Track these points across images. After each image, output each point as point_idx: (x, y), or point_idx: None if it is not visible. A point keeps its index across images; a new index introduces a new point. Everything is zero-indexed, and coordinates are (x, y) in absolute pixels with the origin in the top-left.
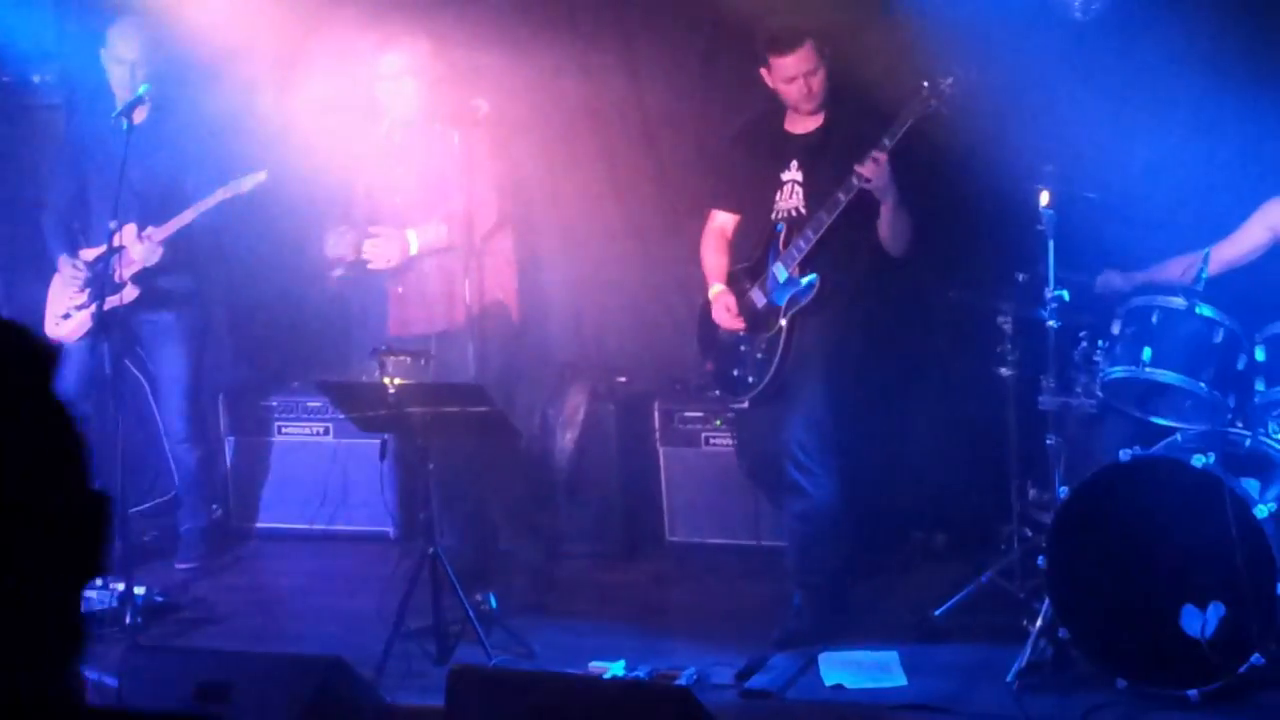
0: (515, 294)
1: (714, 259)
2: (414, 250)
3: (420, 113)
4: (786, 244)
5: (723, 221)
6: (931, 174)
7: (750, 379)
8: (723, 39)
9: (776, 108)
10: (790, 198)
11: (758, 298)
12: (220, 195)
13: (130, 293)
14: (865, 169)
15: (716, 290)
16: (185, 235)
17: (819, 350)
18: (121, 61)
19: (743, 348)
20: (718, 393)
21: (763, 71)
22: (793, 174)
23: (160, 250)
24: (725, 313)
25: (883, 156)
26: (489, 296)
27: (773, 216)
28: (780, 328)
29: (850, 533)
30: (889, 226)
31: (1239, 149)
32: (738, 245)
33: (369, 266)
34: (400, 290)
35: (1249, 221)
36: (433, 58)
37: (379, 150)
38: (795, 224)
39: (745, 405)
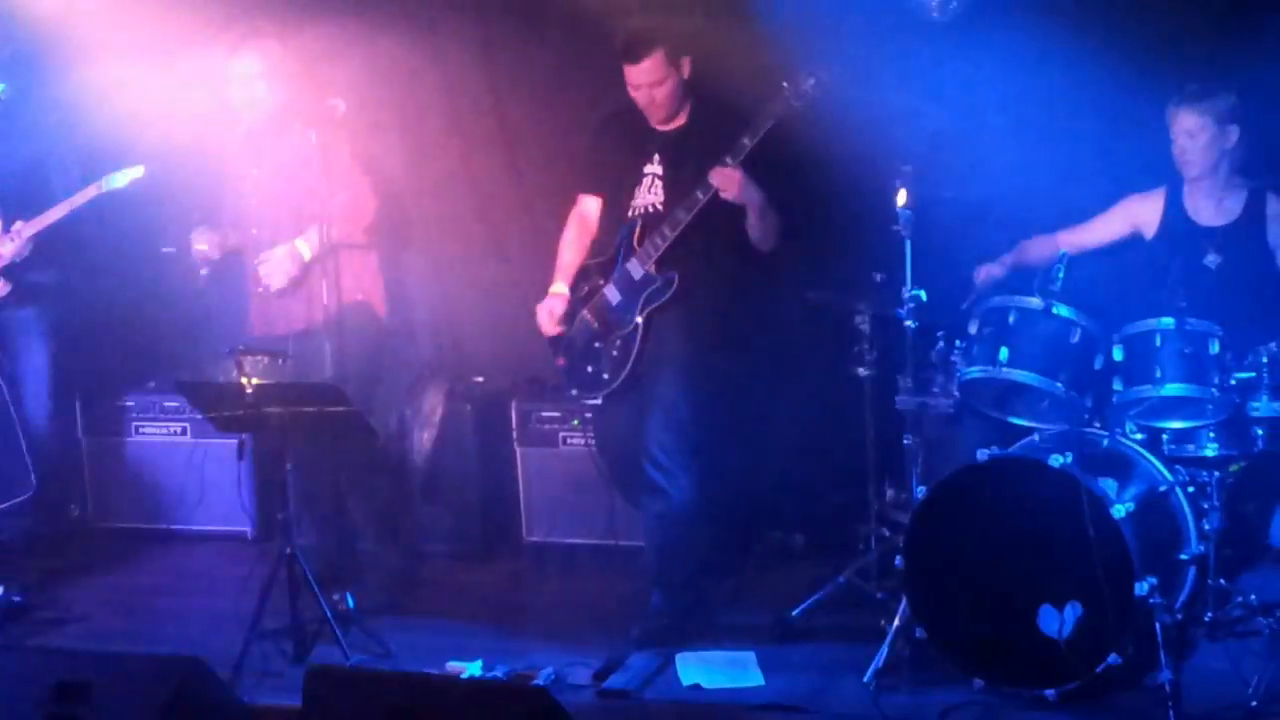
0: (382, 294)
1: (569, 254)
2: (308, 258)
3: (275, 114)
4: (642, 240)
5: (588, 207)
6: (790, 174)
7: (605, 376)
8: (580, 41)
9: None
10: (650, 192)
11: (612, 294)
12: (94, 190)
13: (1, 288)
14: (716, 178)
15: (556, 290)
16: (50, 229)
17: (676, 350)
18: None
19: (597, 344)
20: (573, 391)
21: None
22: (654, 167)
23: (29, 245)
24: (547, 317)
25: (733, 172)
26: (350, 296)
27: (630, 212)
28: (636, 325)
29: (708, 533)
30: (756, 229)
31: (1098, 148)
32: (601, 236)
33: (272, 287)
34: (260, 290)
35: (1108, 212)
36: (283, 59)
37: (238, 151)
38: (651, 220)
39: (599, 402)
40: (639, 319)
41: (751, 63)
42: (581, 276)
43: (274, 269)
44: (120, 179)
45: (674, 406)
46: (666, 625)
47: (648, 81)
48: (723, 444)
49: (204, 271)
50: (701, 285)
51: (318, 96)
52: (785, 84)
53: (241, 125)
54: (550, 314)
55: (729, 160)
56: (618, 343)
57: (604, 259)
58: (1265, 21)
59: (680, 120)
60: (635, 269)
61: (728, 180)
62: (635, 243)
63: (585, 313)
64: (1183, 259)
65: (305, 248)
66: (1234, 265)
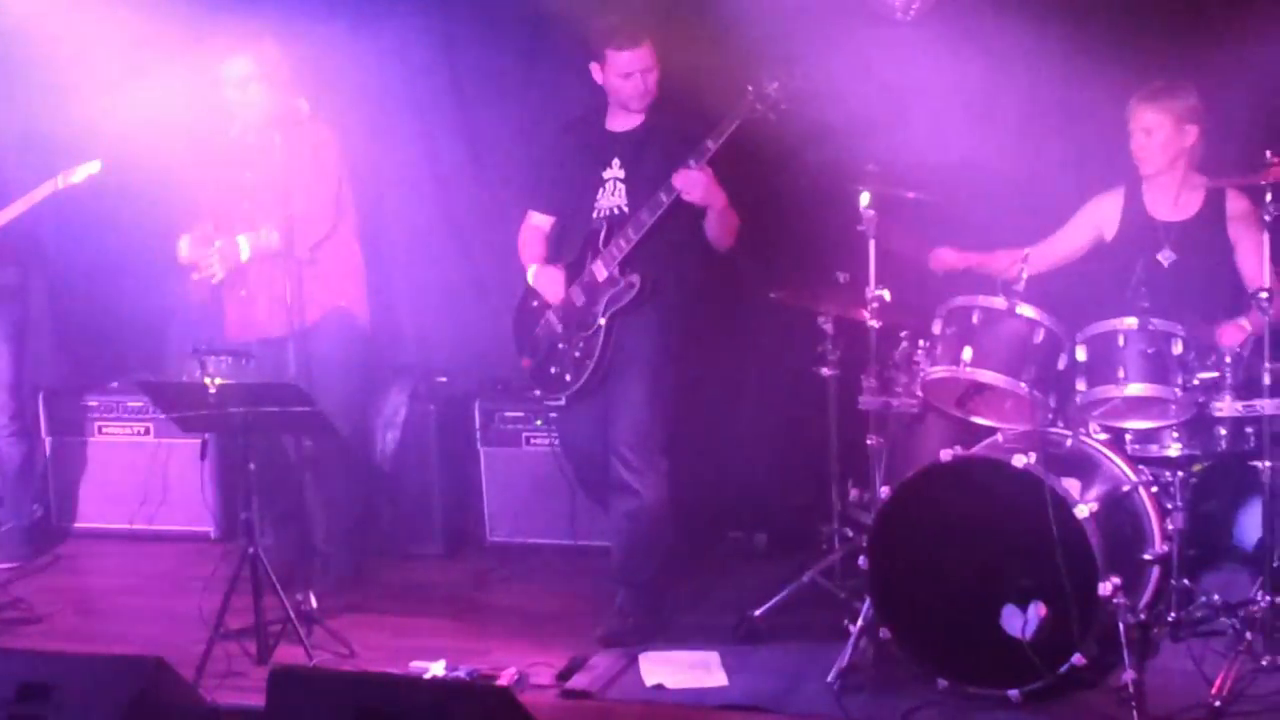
0: (364, 299)
1: (531, 249)
2: (245, 256)
3: (267, 116)
4: (607, 242)
5: (538, 222)
6: (753, 174)
7: (568, 377)
8: (544, 38)
9: (598, 107)
10: (613, 195)
11: (577, 295)
12: (51, 187)
13: None
14: (679, 180)
15: (534, 269)
16: (8, 227)
17: (641, 351)
18: None
19: (561, 345)
20: (537, 391)
21: (594, 66)
22: (615, 171)
23: None
24: (550, 283)
25: (698, 175)
26: (331, 302)
27: (595, 215)
28: (599, 327)
29: (674, 532)
30: (714, 229)
31: (1062, 150)
32: (556, 245)
33: (210, 279)
34: (243, 293)
35: (1072, 221)
36: (280, 62)
37: (229, 153)
38: (616, 222)
39: (562, 403)
40: (602, 320)
41: (712, 63)
42: None
43: (212, 260)
44: (78, 174)
45: (640, 406)
46: (631, 624)
47: (642, 67)
48: (686, 444)
49: (196, 276)
50: (666, 287)
51: (284, 97)
52: (750, 87)
53: (235, 127)
54: (552, 281)
55: (692, 162)
56: (581, 344)
57: (569, 262)
58: (1226, 21)
59: (637, 120)
60: (599, 270)
61: (692, 183)
62: (600, 244)
63: (550, 314)
64: (1144, 257)
65: (245, 246)
66: (1189, 262)
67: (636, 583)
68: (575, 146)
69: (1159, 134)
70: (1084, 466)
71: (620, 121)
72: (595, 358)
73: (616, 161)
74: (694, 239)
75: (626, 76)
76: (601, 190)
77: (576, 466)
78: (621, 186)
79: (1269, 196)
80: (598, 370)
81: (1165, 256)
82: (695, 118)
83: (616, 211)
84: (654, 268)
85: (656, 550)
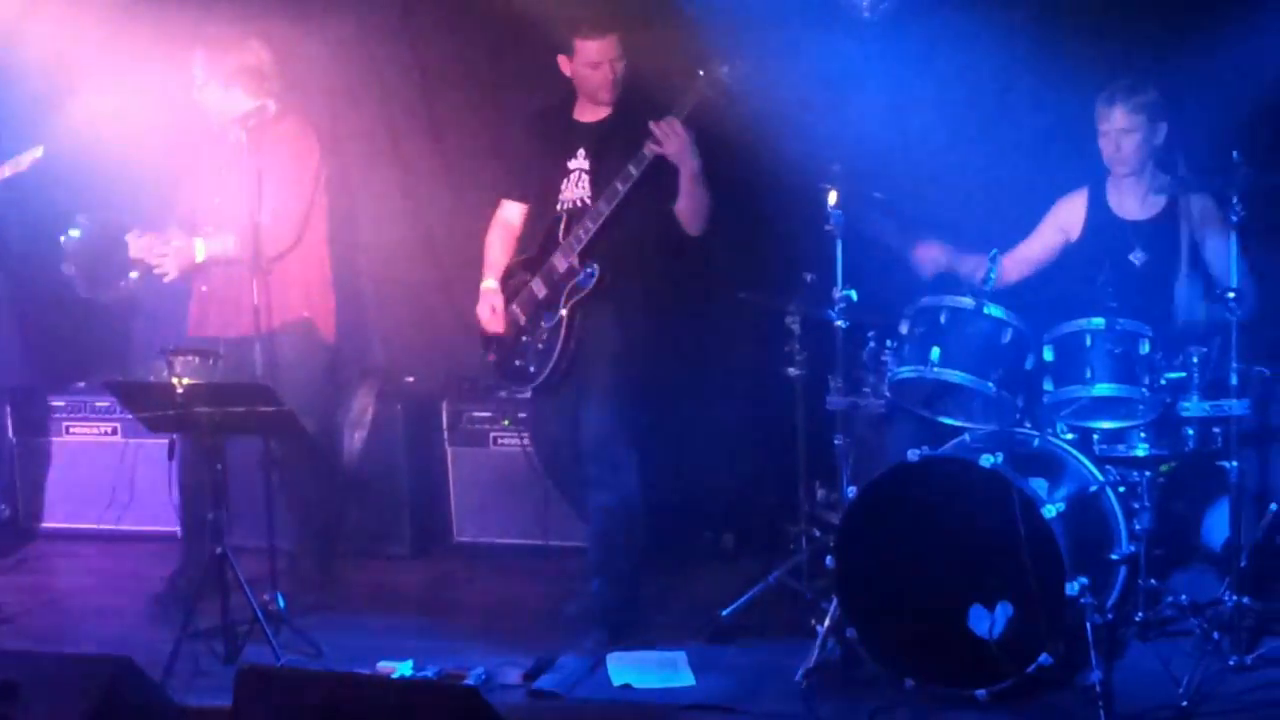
0: (331, 312)
1: (496, 253)
2: (199, 258)
3: (228, 117)
4: (567, 233)
5: (510, 212)
6: (721, 173)
7: (532, 369)
8: (510, 35)
9: (566, 97)
10: (576, 186)
11: (539, 288)
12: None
13: None
14: (658, 129)
15: (487, 286)
16: None
17: (605, 343)
18: None
19: (524, 338)
20: (503, 385)
21: (561, 59)
22: (580, 162)
23: None
24: (489, 313)
25: (679, 125)
26: (295, 313)
27: (558, 206)
28: (560, 318)
29: (648, 526)
30: (689, 198)
31: (1030, 150)
32: (526, 237)
33: (162, 277)
34: (204, 289)
35: (1040, 225)
36: (240, 62)
37: (206, 150)
38: (577, 214)
39: (527, 395)
40: (563, 311)
41: (679, 59)
42: (510, 273)
43: (169, 258)
44: (24, 160)
45: (610, 400)
46: (604, 606)
47: (610, 57)
48: (655, 444)
49: (134, 274)
50: (629, 278)
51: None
52: (700, 72)
53: (207, 126)
54: (492, 310)
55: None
56: (544, 336)
57: (531, 255)
58: (1192, 22)
59: (604, 112)
60: (560, 261)
61: (670, 133)
62: (561, 236)
63: (514, 307)
64: (1110, 257)
65: (201, 249)
66: (1159, 261)
67: (612, 575)
68: (543, 134)
69: (1136, 134)
70: (1051, 466)
71: (588, 113)
72: (558, 349)
73: (582, 152)
74: (658, 230)
75: (594, 66)
76: (566, 181)
77: (545, 460)
78: (586, 178)
79: (1235, 198)
80: (560, 362)
81: (1137, 257)
82: (662, 112)
83: (579, 204)
84: (616, 258)
85: (632, 543)
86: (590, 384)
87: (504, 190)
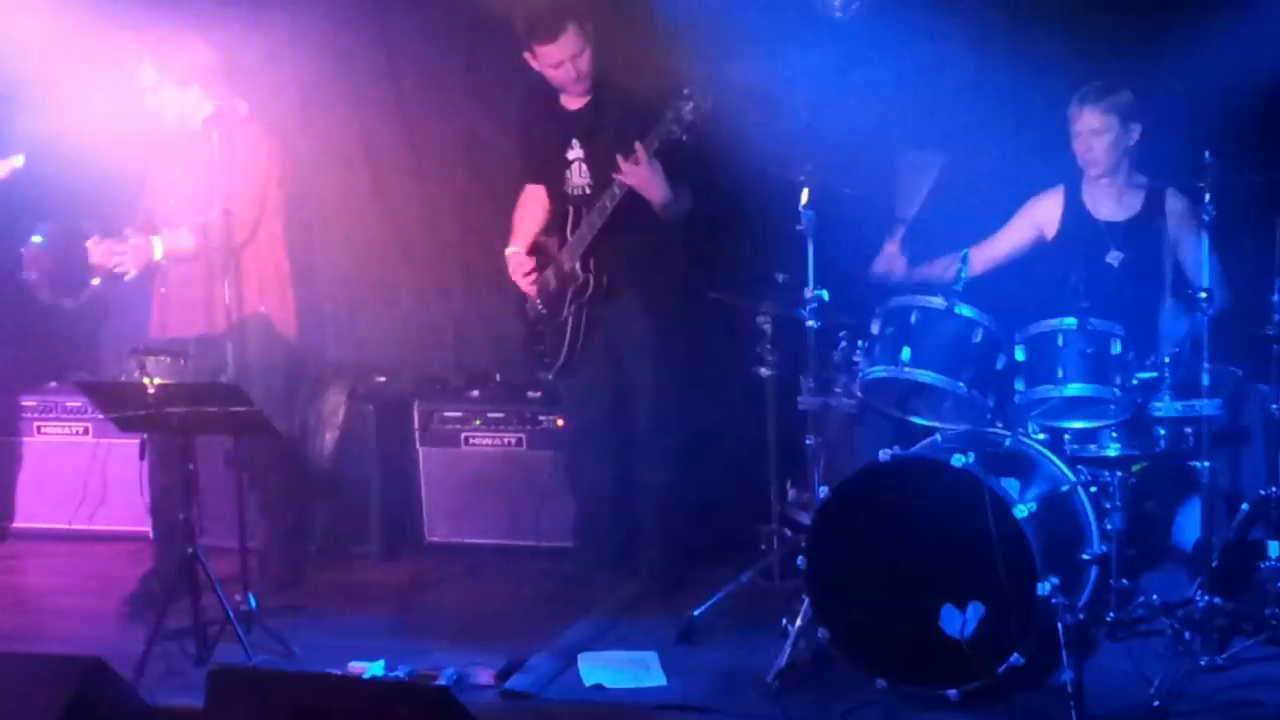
0: (290, 309)
1: (526, 223)
2: (157, 255)
3: (188, 117)
4: (574, 228)
5: (536, 190)
6: (693, 173)
7: (546, 359)
8: (483, 37)
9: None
10: (579, 176)
11: (551, 279)
12: None
13: None
14: (625, 164)
15: (510, 251)
16: None
17: (629, 338)
18: None
19: (541, 326)
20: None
21: (528, 56)
22: (576, 151)
23: None
24: (521, 276)
25: (635, 166)
26: (251, 308)
27: (567, 191)
28: (567, 316)
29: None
30: (665, 214)
31: (1002, 148)
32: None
33: (121, 274)
34: (163, 291)
35: (1012, 221)
36: (195, 64)
37: (161, 150)
38: (584, 203)
39: (551, 379)
40: (569, 311)
41: (650, 48)
42: (535, 248)
43: (127, 255)
44: (2, 168)
45: (645, 390)
46: (662, 583)
47: (569, 54)
48: (624, 445)
49: (95, 281)
50: (629, 282)
51: (222, 96)
52: (668, 111)
53: (162, 127)
54: (522, 273)
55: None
56: (555, 327)
57: (550, 238)
58: (1161, 22)
59: (588, 97)
60: (566, 259)
61: (633, 170)
62: (569, 230)
63: (546, 274)
64: (1085, 257)
65: (158, 246)
66: (1136, 262)
67: (670, 546)
68: (537, 124)
69: (1108, 135)
70: (1023, 466)
71: (572, 101)
72: (566, 344)
73: (575, 142)
74: (642, 236)
75: (556, 66)
76: (569, 170)
77: (575, 433)
78: (585, 167)
79: (1208, 197)
80: (571, 353)
81: (1114, 257)
82: (634, 109)
83: (585, 192)
84: (613, 265)
85: (680, 516)
86: (626, 381)
87: (522, 177)
